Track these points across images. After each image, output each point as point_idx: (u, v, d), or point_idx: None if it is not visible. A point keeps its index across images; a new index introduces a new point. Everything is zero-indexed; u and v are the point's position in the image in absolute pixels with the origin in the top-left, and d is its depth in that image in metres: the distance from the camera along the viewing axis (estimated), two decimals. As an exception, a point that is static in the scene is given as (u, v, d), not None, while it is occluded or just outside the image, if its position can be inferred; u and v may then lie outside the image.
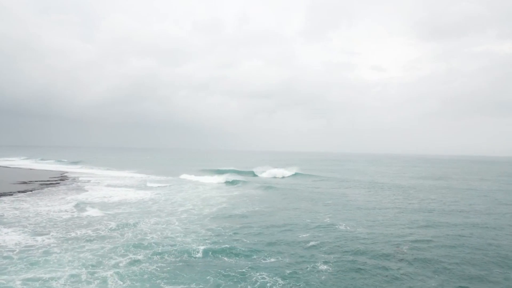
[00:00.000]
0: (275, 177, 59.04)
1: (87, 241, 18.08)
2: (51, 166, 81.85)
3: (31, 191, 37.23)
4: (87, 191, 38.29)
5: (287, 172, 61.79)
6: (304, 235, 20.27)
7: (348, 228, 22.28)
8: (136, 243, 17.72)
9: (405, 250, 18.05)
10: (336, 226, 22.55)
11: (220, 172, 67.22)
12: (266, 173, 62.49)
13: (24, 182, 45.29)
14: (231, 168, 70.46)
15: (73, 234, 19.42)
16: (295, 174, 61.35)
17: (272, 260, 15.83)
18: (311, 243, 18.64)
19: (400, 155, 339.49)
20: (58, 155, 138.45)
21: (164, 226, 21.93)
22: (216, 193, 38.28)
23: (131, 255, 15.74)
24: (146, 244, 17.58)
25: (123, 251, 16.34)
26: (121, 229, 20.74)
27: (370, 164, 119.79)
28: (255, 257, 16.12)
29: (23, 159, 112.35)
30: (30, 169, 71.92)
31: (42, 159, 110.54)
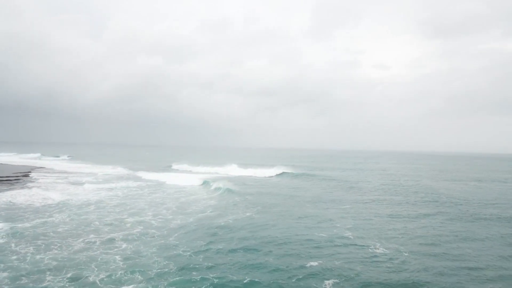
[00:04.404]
0: (271, 176, 50.10)
1: None
2: (30, 161, 74.44)
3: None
4: (34, 188, 31.23)
5: (286, 170, 53.13)
6: (314, 264, 12.87)
7: (385, 251, 14.53)
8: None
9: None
10: (366, 248, 14.81)
11: (208, 166, 60.21)
12: (265, 171, 53.67)
13: (-23, 179, 38.13)
14: (222, 165, 61.23)
15: None
16: (297, 173, 52.50)
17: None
18: (331, 280, 11.41)
19: (404, 152, 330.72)
20: (56, 151, 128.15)
21: (94, 254, 13.77)
22: (195, 197, 29.49)
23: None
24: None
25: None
26: (4, 265, 12.35)
27: (377, 162, 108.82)
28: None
29: (13, 154, 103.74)
30: (1, 163, 64.24)
31: (42, 154, 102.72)
